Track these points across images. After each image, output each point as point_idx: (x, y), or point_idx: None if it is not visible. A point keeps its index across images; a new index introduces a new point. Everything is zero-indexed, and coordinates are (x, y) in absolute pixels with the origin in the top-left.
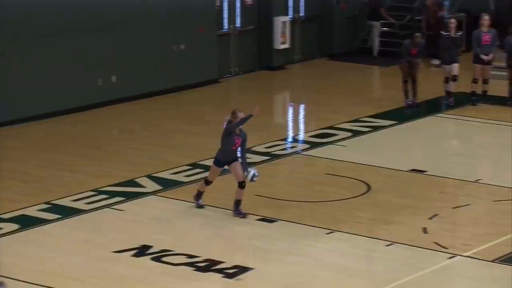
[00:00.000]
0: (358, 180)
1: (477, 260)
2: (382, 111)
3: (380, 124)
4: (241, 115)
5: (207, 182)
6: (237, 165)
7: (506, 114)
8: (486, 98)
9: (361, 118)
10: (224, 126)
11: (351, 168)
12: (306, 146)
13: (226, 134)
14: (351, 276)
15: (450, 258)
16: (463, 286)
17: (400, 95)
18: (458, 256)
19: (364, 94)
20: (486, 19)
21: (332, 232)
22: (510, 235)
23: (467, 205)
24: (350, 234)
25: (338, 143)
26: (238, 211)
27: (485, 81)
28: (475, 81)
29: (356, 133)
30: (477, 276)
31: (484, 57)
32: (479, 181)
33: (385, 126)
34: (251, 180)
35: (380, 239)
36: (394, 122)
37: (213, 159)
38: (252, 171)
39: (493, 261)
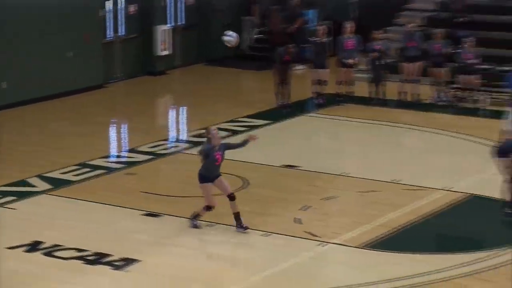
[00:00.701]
0: (236, 175)
1: (345, 246)
2: (257, 112)
3: (256, 123)
4: (213, 131)
5: (208, 208)
6: (221, 180)
7: (370, 113)
8: (351, 99)
9: (238, 118)
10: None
11: (229, 165)
12: (188, 145)
13: (204, 157)
14: (232, 265)
15: (321, 245)
16: (333, 271)
17: (273, 97)
18: (329, 244)
19: (240, 97)
20: (348, 26)
21: (214, 224)
22: (374, 222)
23: (336, 196)
24: (230, 226)
25: None
26: (239, 225)
27: (349, 83)
28: (340, 83)
29: (233, 133)
30: (346, 261)
31: (347, 61)
32: (347, 175)
33: (260, 125)
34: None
35: (258, 230)
36: (268, 121)
37: (198, 178)
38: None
39: (359, 247)
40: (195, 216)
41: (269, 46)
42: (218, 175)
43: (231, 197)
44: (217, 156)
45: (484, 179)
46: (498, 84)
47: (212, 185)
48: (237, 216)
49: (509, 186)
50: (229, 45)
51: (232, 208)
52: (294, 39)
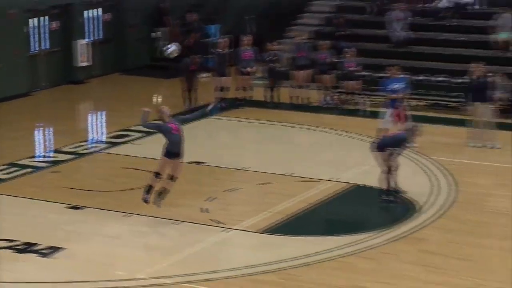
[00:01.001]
0: (149, 171)
1: (247, 232)
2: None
3: None
4: (163, 109)
5: (157, 174)
6: (178, 163)
7: (266, 115)
8: (250, 102)
9: (150, 121)
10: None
11: (143, 162)
12: (106, 145)
13: (162, 133)
14: (148, 251)
15: (226, 231)
16: (237, 254)
17: (181, 102)
18: (232, 230)
19: (152, 102)
20: (246, 39)
21: (131, 215)
22: (271, 210)
23: (238, 188)
24: (145, 216)
25: (133, 142)
26: (159, 198)
27: (248, 89)
28: (239, 89)
29: (147, 133)
30: (248, 245)
31: (244, 69)
32: (247, 169)
33: None
34: (169, 50)
35: (170, 219)
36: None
37: (163, 152)
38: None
39: (259, 232)
40: (149, 189)
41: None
42: (180, 153)
43: (174, 179)
44: (170, 125)
45: (365, 170)
46: (376, 88)
47: (171, 161)
48: (164, 192)
49: (386, 176)
50: (175, 54)
51: (166, 185)
52: (193, 51)
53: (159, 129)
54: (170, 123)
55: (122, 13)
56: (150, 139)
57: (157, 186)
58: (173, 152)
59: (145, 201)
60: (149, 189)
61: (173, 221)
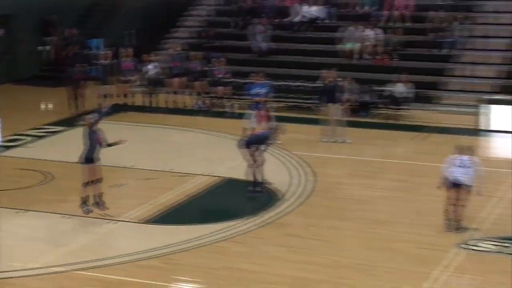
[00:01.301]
0: (42, 171)
1: (131, 223)
2: (56, 120)
3: (56, 129)
4: (88, 118)
5: (86, 184)
6: (96, 165)
7: (146, 118)
8: (131, 108)
9: (40, 126)
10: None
11: (37, 163)
12: (0, 149)
13: (92, 138)
14: (41, 243)
15: (112, 223)
16: (123, 242)
17: (68, 108)
18: (118, 222)
19: (41, 108)
20: (126, 51)
21: (26, 211)
22: (152, 203)
23: (124, 184)
24: (39, 212)
25: (25, 145)
26: (102, 205)
27: (128, 95)
28: (121, 95)
29: (39, 137)
30: (132, 234)
31: (125, 78)
32: (131, 167)
33: (60, 131)
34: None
35: (61, 214)
36: (65, 128)
37: (81, 161)
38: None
39: (141, 222)
40: (85, 201)
41: (58, 67)
42: (98, 158)
43: (100, 181)
44: (95, 137)
45: (234, 165)
46: (242, 92)
47: (93, 166)
48: (101, 195)
49: (253, 170)
50: (99, 121)
51: (98, 190)
52: (71, 62)
53: (92, 134)
54: (97, 135)
55: (13, 28)
56: (41, 142)
57: (91, 195)
58: (93, 157)
59: (88, 211)
60: (85, 201)
61: (64, 215)
